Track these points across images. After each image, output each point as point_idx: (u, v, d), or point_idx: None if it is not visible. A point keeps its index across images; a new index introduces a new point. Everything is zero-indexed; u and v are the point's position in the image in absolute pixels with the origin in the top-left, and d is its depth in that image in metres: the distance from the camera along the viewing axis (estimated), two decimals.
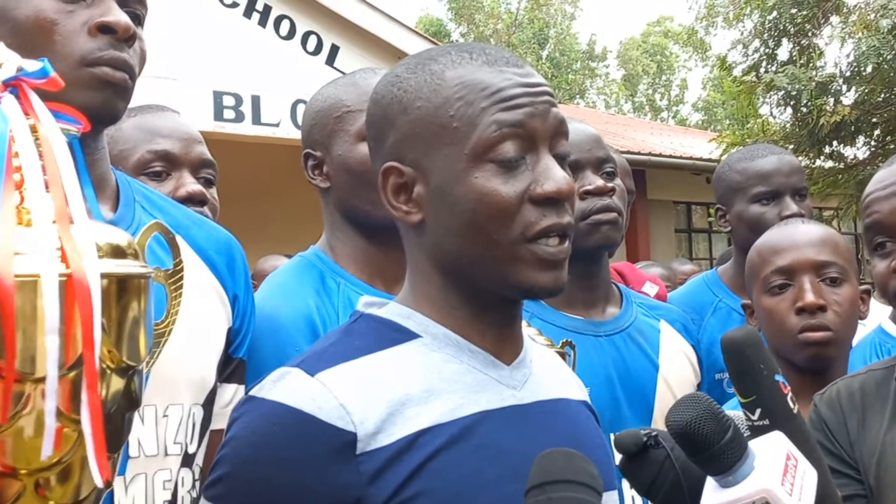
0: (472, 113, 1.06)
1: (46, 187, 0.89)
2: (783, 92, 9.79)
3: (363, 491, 0.98)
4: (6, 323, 0.80)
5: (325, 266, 1.68)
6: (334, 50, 8.28)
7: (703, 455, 1.01)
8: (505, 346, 1.12)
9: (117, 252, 0.92)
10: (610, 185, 1.87)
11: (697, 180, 12.27)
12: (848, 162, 10.54)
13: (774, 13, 10.14)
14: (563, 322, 1.85)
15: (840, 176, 10.39)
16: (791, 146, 9.70)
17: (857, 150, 10.76)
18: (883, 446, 1.39)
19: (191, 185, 1.84)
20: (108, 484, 0.88)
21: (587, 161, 1.87)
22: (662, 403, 1.85)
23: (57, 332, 0.82)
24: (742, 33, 10.79)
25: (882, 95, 9.87)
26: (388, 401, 1.02)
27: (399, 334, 1.09)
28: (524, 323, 1.47)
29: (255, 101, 7.91)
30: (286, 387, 1.01)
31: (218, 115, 7.72)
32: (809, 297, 1.74)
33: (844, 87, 10.04)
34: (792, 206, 2.30)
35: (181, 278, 1.21)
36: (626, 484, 1.66)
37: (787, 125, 10.37)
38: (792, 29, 10.11)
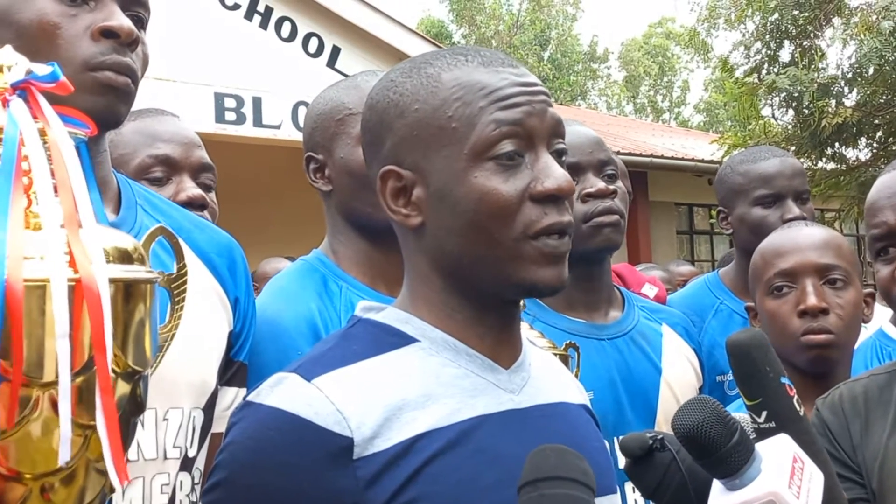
0: (470, 113, 1.06)
1: (55, 191, 0.88)
2: (785, 94, 9.76)
3: (360, 496, 0.98)
4: (14, 327, 0.80)
5: (327, 269, 1.68)
6: (336, 52, 8.27)
7: (710, 458, 1.01)
8: (503, 350, 1.12)
9: (124, 257, 0.92)
10: (612, 187, 1.88)
11: (699, 182, 12.24)
12: (850, 164, 10.52)
13: (776, 15, 10.10)
14: (565, 325, 1.85)
15: (842, 178, 10.36)
16: (793, 148, 9.68)
17: (859, 152, 10.74)
18: (886, 451, 1.39)
19: (191, 189, 1.85)
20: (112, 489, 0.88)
21: (588, 163, 1.88)
22: (665, 407, 1.85)
23: (67, 336, 0.82)
24: (744, 35, 10.76)
25: (884, 97, 9.85)
26: (385, 405, 1.01)
27: (397, 339, 1.09)
28: (526, 326, 1.47)
29: (257, 102, 7.90)
30: (283, 392, 1.01)
31: (219, 117, 7.71)
32: (812, 300, 1.75)
33: (846, 89, 10.02)
34: (794, 209, 2.30)
35: (185, 282, 1.20)
36: (629, 487, 1.67)
37: (789, 127, 10.34)
38: (794, 30, 10.08)
